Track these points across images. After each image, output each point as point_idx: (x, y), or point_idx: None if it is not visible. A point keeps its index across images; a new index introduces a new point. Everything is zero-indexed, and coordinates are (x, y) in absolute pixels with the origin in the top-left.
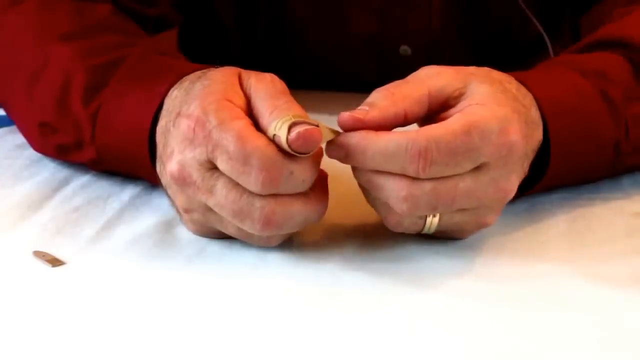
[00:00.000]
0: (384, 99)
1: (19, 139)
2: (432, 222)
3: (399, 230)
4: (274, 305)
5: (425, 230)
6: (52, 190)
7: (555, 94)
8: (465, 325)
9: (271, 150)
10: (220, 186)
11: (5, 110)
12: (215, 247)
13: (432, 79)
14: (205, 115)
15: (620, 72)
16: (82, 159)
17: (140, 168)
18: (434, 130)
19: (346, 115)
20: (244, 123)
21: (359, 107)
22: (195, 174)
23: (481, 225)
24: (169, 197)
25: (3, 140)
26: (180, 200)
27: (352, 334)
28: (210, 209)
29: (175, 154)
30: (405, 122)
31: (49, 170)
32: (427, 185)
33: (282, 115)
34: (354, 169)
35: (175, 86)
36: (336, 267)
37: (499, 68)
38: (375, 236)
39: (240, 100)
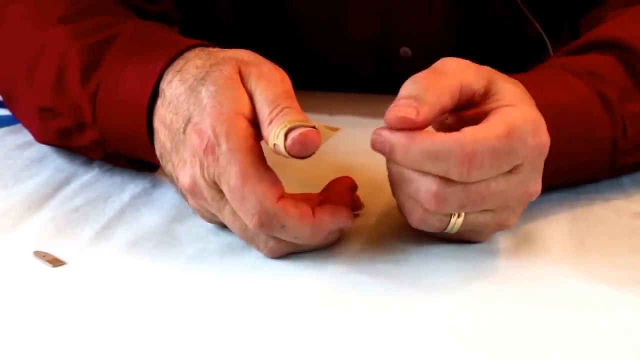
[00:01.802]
0: (428, 93)
1: (20, 139)
2: (457, 221)
3: (422, 227)
4: (274, 306)
5: (448, 230)
6: (52, 190)
7: (550, 95)
8: (466, 325)
9: (268, 198)
10: (228, 212)
11: (7, 102)
12: (215, 247)
13: (462, 73)
14: (215, 138)
15: (614, 72)
16: (85, 141)
17: (141, 148)
18: (479, 133)
19: (398, 116)
20: (251, 159)
21: (402, 101)
22: (206, 192)
23: (501, 227)
24: (175, 185)
25: (3, 140)
26: (190, 202)
27: (353, 335)
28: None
29: (188, 166)
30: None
31: (50, 170)
32: (459, 184)
33: (279, 124)
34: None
35: (174, 72)
36: (336, 268)
37: (499, 69)
38: (376, 237)
39: (247, 108)
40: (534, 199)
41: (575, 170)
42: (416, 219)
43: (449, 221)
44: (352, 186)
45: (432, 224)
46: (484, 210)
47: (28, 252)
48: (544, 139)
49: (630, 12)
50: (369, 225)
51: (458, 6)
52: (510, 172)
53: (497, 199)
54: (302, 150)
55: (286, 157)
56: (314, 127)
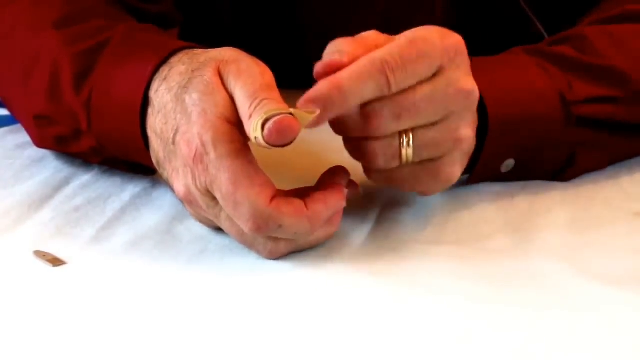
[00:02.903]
0: (349, 45)
1: (19, 139)
2: (408, 149)
3: (379, 164)
4: (274, 305)
5: (405, 158)
6: (52, 190)
7: (487, 65)
8: (465, 325)
9: (260, 202)
10: (224, 218)
11: (7, 106)
12: (215, 247)
13: (379, 36)
14: (203, 147)
15: (561, 50)
16: (82, 148)
17: (138, 153)
18: (383, 48)
19: (325, 63)
20: (240, 164)
21: (327, 56)
22: (201, 200)
23: (457, 141)
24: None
25: (3, 140)
26: (188, 209)
27: (352, 335)
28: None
29: (181, 176)
30: None
31: (50, 170)
32: (386, 97)
33: (257, 117)
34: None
35: (160, 80)
36: (336, 268)
37: None
38: (375, 236)
39: (230, 111)
40: (474, 98)
41: (525, 123)
42: (369, 156)
43: (400, 148)
44: (344, 174)
45: (385, 155)
46: (430, 126)
47: (28, 252)
48: (454, 39)
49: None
50: (368, 225)
51: (460, 7)
52: (434, 76)
53: (432, 105)
54: (280, 139)
55: (268, 148)
56: (290, 113)
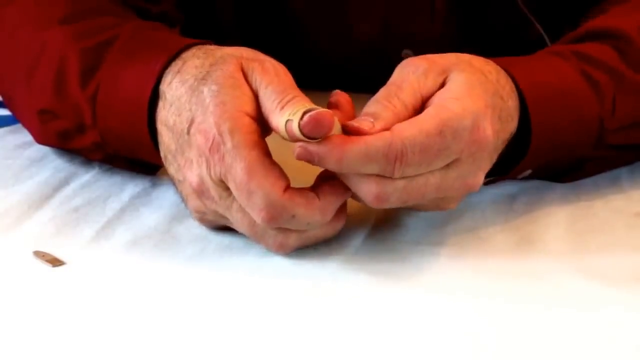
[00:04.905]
0: (385, 111)
1: (19, 139)
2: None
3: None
4: (274, 305)
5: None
6: (52, 190)
7: (532, 75)
8: (465, 324)
9: (275, 191)
10: (236, 209)
11: (8, 103)
12: (215, 248)
13: (421, 82)
14: (220, 136)
15: (605, 56)
16: (85, 143)
17: (143, 149)
18: (407, 131)
19: (354, 126)
20: (256, 154)
21: (362, 117)
22: (213, 191)
23: (441, 209)
24: (177, 188)
25: (3, 140)
26: (194, 204)
27: (352, 334)
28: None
29: (195, 166)
30: None
31: (49, 170)
32: (399, 184)
33: (295, 106)
34: None
35: (173, 73)
36: (336, 267)
37: None
38: (375, 237)
39: (251, 105)
40: (475, 190)
41: (560, 148)
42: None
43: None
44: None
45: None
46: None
47: (28, 252)
48: (484, 133)
49: (630, 4)
50: (367, 225)
51: (460, 9)
52: (447, 166)
53: (436, 192)
54: (315, 130)
55: (295, 137)
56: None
